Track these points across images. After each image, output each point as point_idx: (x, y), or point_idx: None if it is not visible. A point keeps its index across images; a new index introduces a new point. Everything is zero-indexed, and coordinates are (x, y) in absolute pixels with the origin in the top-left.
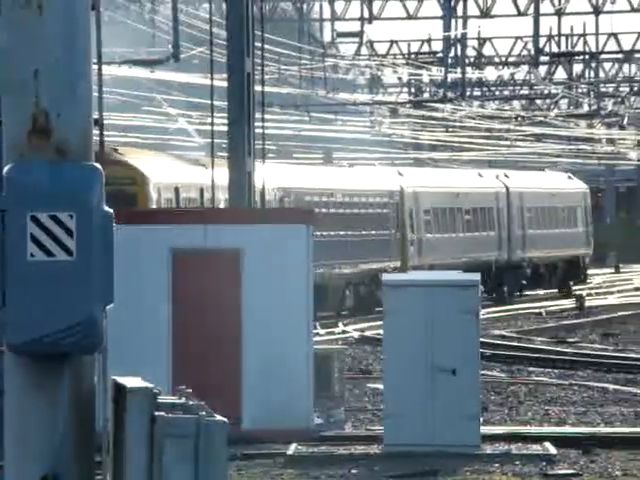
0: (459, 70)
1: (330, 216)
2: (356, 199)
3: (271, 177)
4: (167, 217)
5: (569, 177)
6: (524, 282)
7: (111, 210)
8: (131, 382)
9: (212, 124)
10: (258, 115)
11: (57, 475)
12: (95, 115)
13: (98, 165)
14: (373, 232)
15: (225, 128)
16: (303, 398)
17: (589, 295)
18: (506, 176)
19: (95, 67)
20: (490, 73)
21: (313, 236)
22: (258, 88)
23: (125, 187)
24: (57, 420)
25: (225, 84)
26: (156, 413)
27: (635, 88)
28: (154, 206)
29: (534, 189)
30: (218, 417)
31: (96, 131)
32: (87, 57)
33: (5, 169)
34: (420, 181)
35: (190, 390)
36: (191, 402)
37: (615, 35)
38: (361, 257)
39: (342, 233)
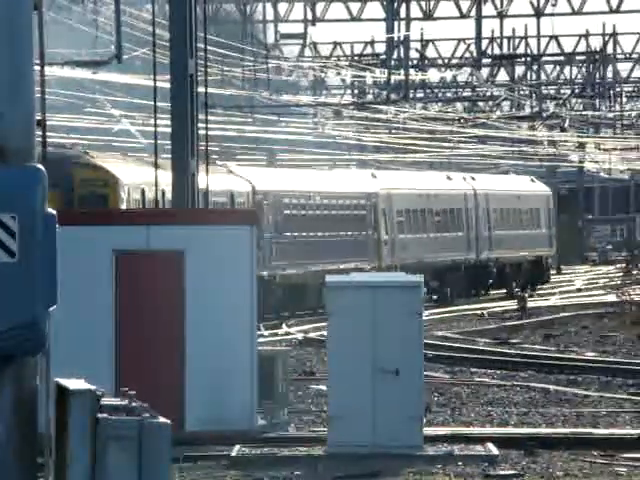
0: (402, 72)
1: (309, 217)
2: (334, 201)
3: (251, 180)
4: (110, 218)
5: (532, 180)
6: (491, 281)
7: (54, 211)
8: (74, 384)
9: (155, 125)
10: (201, 116)
11: None
12: (38, 116)
13: (40, 166)
14: (350, 233)
15: (169, 129)
16: (247, 399)
17: (531, 296)
18: (473, 178)
19: (37, 68)
20: (433, 75)
21: (257, 236)
22: (201, 89)
23: (97, 189)
24: None
25: (168, 85)
26: (99, 415)
27: (576, 90)
28: (124, 206)
29: (500, 191)
30: (161, 419)
31: (39, 132)
32: (29, 57)
33: None
34: (393, 183)
35: (133, 392)
36: (134, 404)
37: (556, 37)
38: (339, 257)
39: (320, 234)
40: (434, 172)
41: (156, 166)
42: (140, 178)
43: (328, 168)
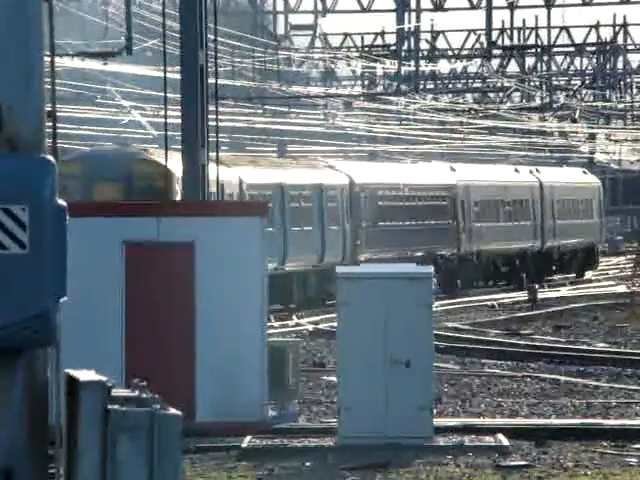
0: (412, 63)
1: (398, 208)
2: (419, 193)
3: (349, 174)
4: (120, 210)
5: (584, 172)
6: (554, 268)
7: (64, 203)
8: (84, 375)
9: (165, 116)
10: (212, 108)
11: (10, 469)
12: (48, 107)
13: (51, 157)
14: (433, 222)
15: (179, 121)
16: (257, 391)
17: (541, 287)
18: (538, 171)
19: (47, 59)
20: (443, 66)
21: (266, 228)
22: (212, 81)
23: (153, 182)
24: (10, 414)
25: (178, 76)
26: (109, 406)
27: (587, 81)
28: (179, 198)
29: (561, 183)
30: (172, 410)
31: (49, 123)
32: (39, 49)
33: None
34: (469, 176)
35: (144, 383)
36: (145, 395)
37: (567, 28)
38: (424, 244)
39: (408, 223)
40: (503, 165)
41: (167, 158)
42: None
43: (411, 161)
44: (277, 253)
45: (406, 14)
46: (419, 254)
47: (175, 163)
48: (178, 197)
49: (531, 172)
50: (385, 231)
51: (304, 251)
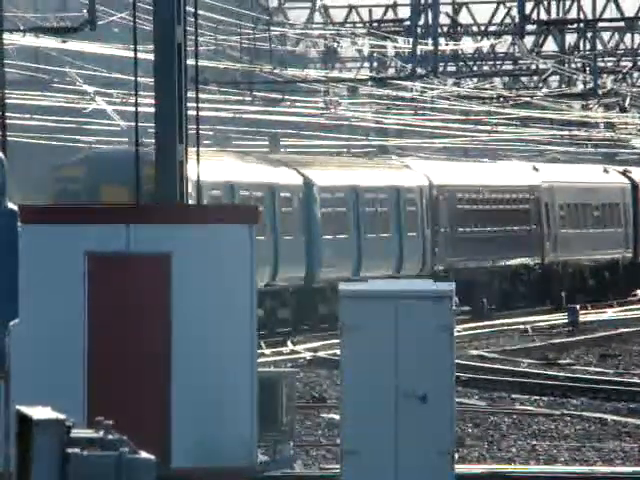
0: (430, 41)
1: (478, 212)
2: (500, 195)
3: (428, 175)
4: (82, 215)
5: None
6: None
7: (15, 207)
8: (39, 413)
9: (136, 104)
10: (191, 94)
11: None
12: None
13: (0, 154)
14: (515, 228)
15: (152, 109)
16: (245, 430)
17: (584, 308)
18: (629, 171)
19: None
20: (467, 45)
21: (255, 237)
22: (191, 62)
23: None
24: None
25: (151, 57)
26: (69, 450)
27: (639, 63)
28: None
29: None
30: (143, 454)
31: None
32: None
33: None
34: (554, 176)
35: (110, 422)
36: (111, 436)
37: None
38: (505, 252)
39: (488, 229)
40: (590, 165)
41: (137, 157)
42: (213, 175)
43: (490, 160)
44: (351, 263)
45: None
46: (500, 263)
47: (193, 165)
48: (191, 202)
49: (622, 172)
50: (464, 238)
51: (380, 260)
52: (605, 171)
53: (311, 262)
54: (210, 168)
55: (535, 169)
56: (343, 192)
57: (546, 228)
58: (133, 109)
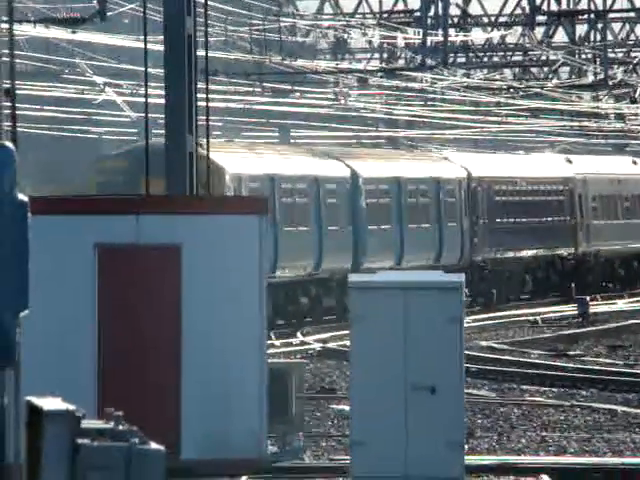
0: (440, 32)
1: (515, 203)
2: (536, 187)
3: (467, 167)
4: (92, 206)
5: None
6: None
7: (25, 198)
8: (49, 404)
9: (146, 95)
10: (201, 85)
11: None
12: (6, 84)
13: (10, 144)
14: (550, 218)
15: (162, 100)
16: (255, 422)
17: (594, 299)
18: None
19: (5, 25)
20: (477, 36)
21: (266, 228)
22: (201, 53)
23: (203, 178)
24: None
25: (162, 48)
26: (79, 441)
27: None
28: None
29: None
30: (153, 445)
31: (7, 103)
32: None
33: None
34: (587, 168)
35: (120, 413)
36: (121, 427)
37: None
38: (541, 242)
39: (525, 220)
40: (620, 156)
41: (147, 148)
42: (251, 168)
43: (525, 152)
44: (394, 253)
45: None
46: (536, 253)
47: (226, 157)
48: (229, 194)
49: None
50: (501, 229)
51: (421, 250)
52: (634, 162)
53: (357, 252)
54: (249, 160)
55: (569, 161)
56: (387, 183)
57: (580, 219)
58: (143, 100)
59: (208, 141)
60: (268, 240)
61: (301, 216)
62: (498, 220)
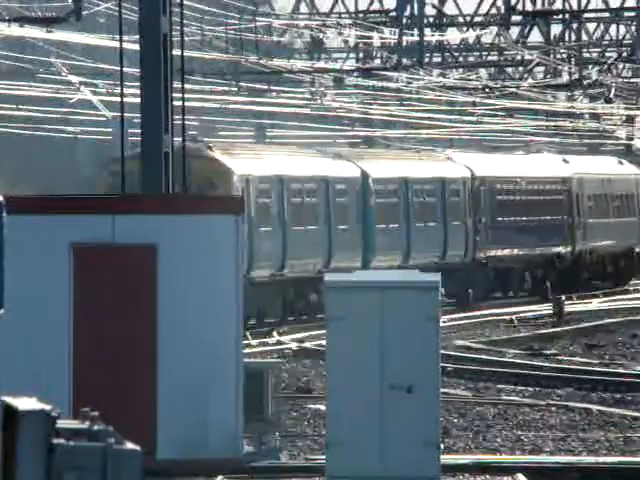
0: (416, 32)
1: (516, 202)
2: (536, 186)
3: (470, 166)
4: (68, 206)
5: (620, 162)
6: None
7: (0, 197)
8: (24, 403)
9: (122, 95)
10: (177, 84)
11: None
12: None
13: None
14: (549, 217)
15: (138, 100)
16: (231, 422)
17: (569, 298)
18: None
19: None
20: (453, 36)
21: (242, 228)
22: (177, 52)
23: (212, 179)
24: None
25: (137, 47)
26: (55, 441)
27: (624, 53)
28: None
29: None
30: (129, 445)
31: None
32: None
33: None
34: (582, 168)
35: (96, 413)
36: (97, 427)
37: None
38: (540, 241)
39: (525, 218)
40: (608, 157)
41: (122, 148)
42: (259, 169)
43: (522, 152)
44: (401, 250)
45: None
46: (536, 252)
47: (234, 158)
48: (236, 194)
49: (632, 163)
50: (503, 227)
51: (427, 248)
52: (620, 163)
53: (366, 250)
54: (258, 162)
55: (565, 161)
56: (395, 183)
57: (577, 218)
58: (119, 99)
59: (184, 139)
60: (277, 238)
61: (311, 215)
62: (499, 219)
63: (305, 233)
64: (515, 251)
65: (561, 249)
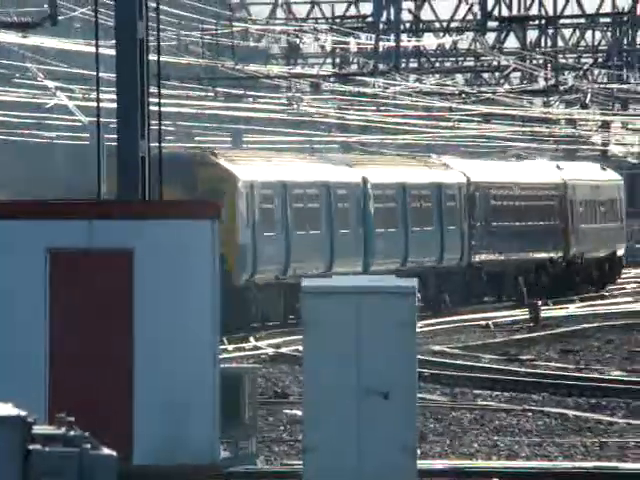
0: (392, 37)
1: (510, 208)
2: (529, 192)
3: (465, 172)
4: (44, 210)
5: (602, 168)
6: None
7: None
8: (0, 409)
9: (98, 100)
10: (153, 89)
11: None
12: None
13: None
14: (542, 223)
15: (114, 105)
16: (207, 427)
17: (545, 304)
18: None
19: None
20: (429, 41)
21: (218, 232)
22: (153, 57)
23: (216, 186)
24: None
25: (113, 52)
26: (30, 446)
27: (600, 59)
28: (242, 202)
29: None
30: (105, 450)
31: None
32: None
33: None
34: (574, 174)
35: (71, 418)
36: (73, 432)
37: None
38: (534, 246)
39: (518, 224)
40: (592, 163)
41: (99, 150)
42: (262, 175)
43: (516, 159)
44: (400, 254)
45: None
46: (529, 256)
47: (238, 166)
48: (242, 201)
49: (613, 170)
50: (498, 232)
51: (424, 252)
52: (603, 169)
53: (367, 254)
54: (261, 168)
55: (559, 167)
56: (393, 189)
57: (570, 223)
58: (95, 104)
59: (160, 145)
60: (280, 243)
61: (313, 220)
62: (494, 224)
63: (308, 237)
64: (509, 255)
65: (554, 254)
